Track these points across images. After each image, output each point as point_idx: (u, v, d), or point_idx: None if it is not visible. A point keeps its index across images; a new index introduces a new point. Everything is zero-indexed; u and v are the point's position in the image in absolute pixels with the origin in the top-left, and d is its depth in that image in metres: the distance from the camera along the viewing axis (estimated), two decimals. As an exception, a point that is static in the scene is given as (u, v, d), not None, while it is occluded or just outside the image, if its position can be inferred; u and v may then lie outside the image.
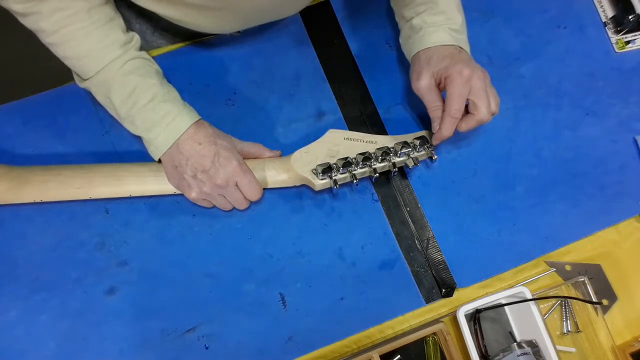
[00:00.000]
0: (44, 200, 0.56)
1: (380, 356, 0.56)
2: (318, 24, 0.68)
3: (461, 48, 0.58)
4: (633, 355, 0.59)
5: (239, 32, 0.66)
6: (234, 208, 0.58)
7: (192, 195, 0.55)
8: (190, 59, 0.65)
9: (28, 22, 0.50)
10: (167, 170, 0.56)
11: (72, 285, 0.58)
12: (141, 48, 0.69)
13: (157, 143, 0.53)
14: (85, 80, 0.54)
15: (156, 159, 0.55)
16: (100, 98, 0.54)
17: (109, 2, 0.54)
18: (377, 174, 0.58)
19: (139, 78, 0.53)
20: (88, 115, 0.62)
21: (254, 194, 0.57)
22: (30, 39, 0.53)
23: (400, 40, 0.63)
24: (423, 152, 0.60)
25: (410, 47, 0.60)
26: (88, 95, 0.58)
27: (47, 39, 0.51)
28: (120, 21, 0.55)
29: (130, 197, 0.59)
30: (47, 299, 0.57)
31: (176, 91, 0.57)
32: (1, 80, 1.38)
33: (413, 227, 0.62)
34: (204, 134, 0.54)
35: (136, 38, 0.56)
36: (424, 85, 0.57)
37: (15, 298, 0.57)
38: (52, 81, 0.63)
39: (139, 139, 0.56)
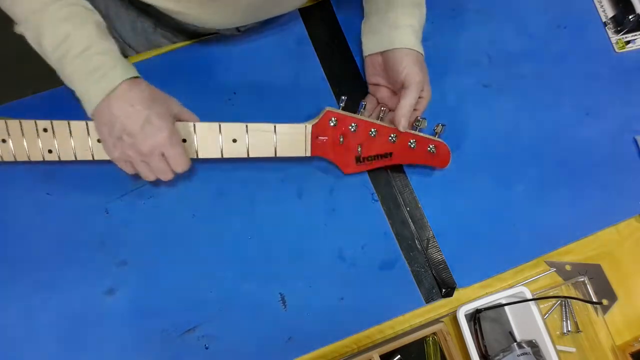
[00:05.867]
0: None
1: (380, 356, 0.56)
2: (318, 24, 0.68)
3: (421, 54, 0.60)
4: (633, 355, 0.59)
5: (239, 30, 0.66)
6: (158, 179, 0.55)
7: (115, 155, 0.53)
8: (190, 58, 0.65)
9: None
10: (97, 126, 0.53)
11: (72, 285, 0.58)
12: (141, 47, 0.69)
13: (88, 97, 0.51)
14: (19, 25, 0.51)
15: (89, 114, 0.53)
16: (33, 44, 0.51)
17: None
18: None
19: (74, 26, 0.50)
20: (87, 115, 0.62)
21: (180, 166, 0.54)
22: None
23: (364, 27, 0.64)
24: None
25: (379, 40, 0.61)
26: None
27: None
28: None
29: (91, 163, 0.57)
30: (47, 299, 0.57)
31: (117, 48, 0.53)
32: (1, 80, 1.38)
33: (413, 227, 0.62)
34: (138, 95, 0.51)
35: None
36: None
37: (15, 298, 0.57)
38: (52, 81, 0.63)
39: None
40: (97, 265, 0.58)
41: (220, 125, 0.55)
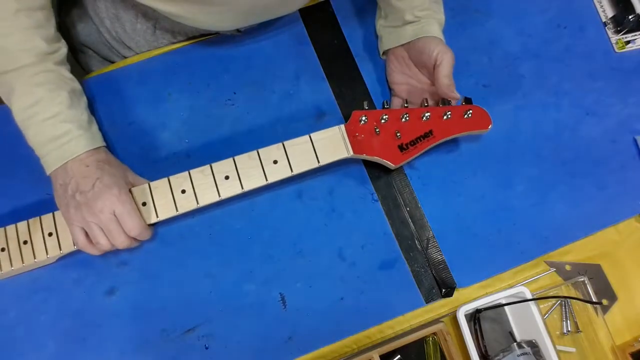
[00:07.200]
0: None
1: (380, 356, 0.56)
2: (318, 24, 0.68)
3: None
4: (633, 355, 0.59)
5: (239, 31, 0.66)
6: (116, 249, 0.53)
7: (70, 214, 0.52)
8: (190, 58, 0.65)
9: None
10: (55, 189, 0.54)
11: (72, 285, 0.58)
12: (141, 47, 0.68)
13: (47, 160, 0.52)
14: None
15: (47, 174, 0.53)
16: (2, 96, 0.53)
17: (45, 9, 0.52)
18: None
19: (46, 93, 0.51)
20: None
21: (134, 228, 0.52)
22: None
23: (383, 23, 0.64)
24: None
25: (402, 33, 0.61)
26: (88, 96, 0.58)
27: None
28: (49, 31, 0.53)
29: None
30: (47, 299, 0.57)
31: (88, 117, 0.55)
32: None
33: (413, 227, 0.62)
34: (95, 158, 0.53)
35: (61, 52, 0.54)
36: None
37: (15, 298, 0.57)
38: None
39: (138, 140, 0.56)
40: (98, 265, 0.58)
41: (258, 152, 0.56)
